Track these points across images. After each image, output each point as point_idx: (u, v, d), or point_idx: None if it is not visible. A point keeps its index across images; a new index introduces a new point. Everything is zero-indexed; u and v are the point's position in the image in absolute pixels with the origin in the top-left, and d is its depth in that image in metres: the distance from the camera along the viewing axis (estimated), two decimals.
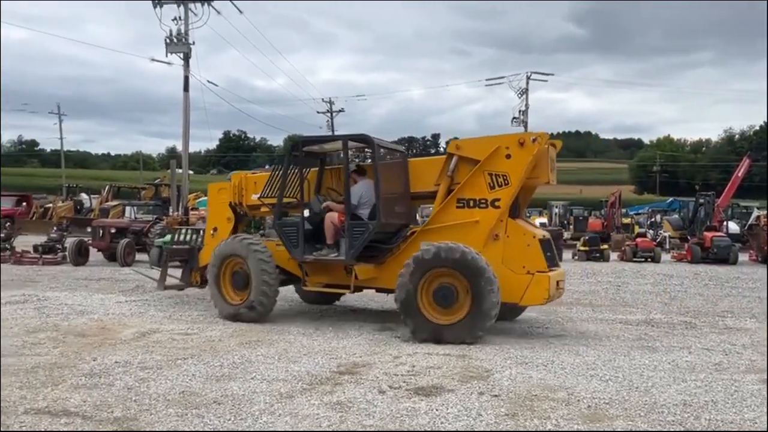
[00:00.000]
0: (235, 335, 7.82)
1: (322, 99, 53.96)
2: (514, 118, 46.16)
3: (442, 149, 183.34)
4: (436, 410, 5.02)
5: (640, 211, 45.16)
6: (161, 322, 8.68)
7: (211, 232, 10.17)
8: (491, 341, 7.77)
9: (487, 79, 68.73)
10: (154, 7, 26.66)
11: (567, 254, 24.12)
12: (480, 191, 8.29)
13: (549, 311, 10.37)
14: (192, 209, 25.08)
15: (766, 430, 4.85)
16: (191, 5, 26.94)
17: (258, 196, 9.54)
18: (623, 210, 35.83)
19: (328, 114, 51.68)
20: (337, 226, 8.76)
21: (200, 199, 26.56)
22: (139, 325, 8.41)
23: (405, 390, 5.56)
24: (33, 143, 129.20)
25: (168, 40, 26.66)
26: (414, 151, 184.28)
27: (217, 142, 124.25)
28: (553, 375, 6.20)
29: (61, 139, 60.95)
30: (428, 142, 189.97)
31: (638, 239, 24.41)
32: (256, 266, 8.87)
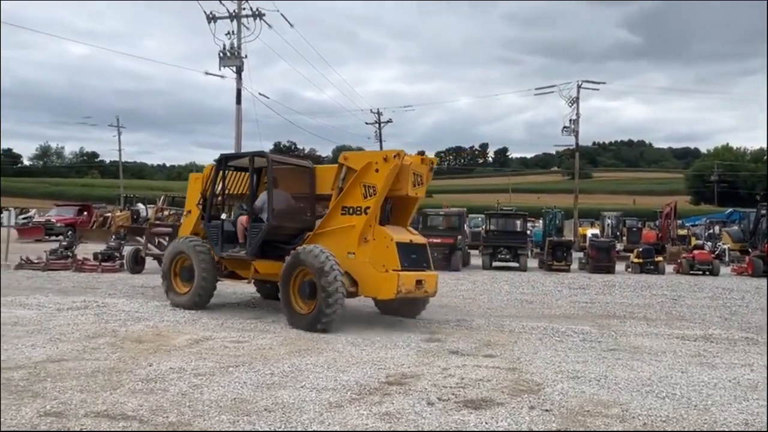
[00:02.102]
0: (284, 344, 7.92)
1: (370, 110, 54.44)
2: (564, 127, 45.34)
3: (490, 159, 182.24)
4: (486, 423, 4.97)
5: (696, 222, 43.74)
6: (214, 329, 8.86)
7: (186, 212, 12.16)
8: (541, 354, 7.65)
9: (537, 88, 67.91)
10: (209, 22, 27.46)
11: (620, 266, 23.57)
12: (357, 200, 9.51)
13: (601, 324, 10.16)
14: None
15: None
16: (244, 20, 27.63)
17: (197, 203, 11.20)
18: (679, 221, 34.77)
19: (376, 125, 52.00)
20: (245, 227, 10.31)
21: None
22: (193, 332, 8.61)
23: (454, 402, 5.53)
24: (93, 155, 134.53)
25: (222, 54, 27.38)
26: (462, 161, 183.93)
27: None
28: (606, 390, 6.06)
29: (120, 150, 63.24)
30: (476, 152, 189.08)
31: (695, 251, 23.67)
32: (198, 262, 10.52)
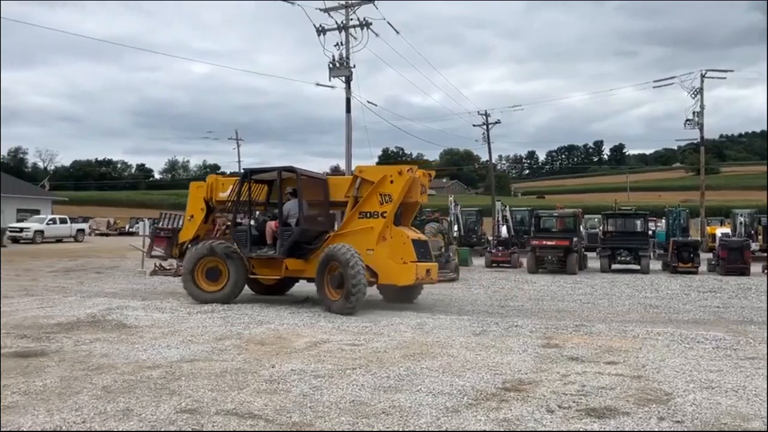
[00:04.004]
0: (399, 347, 7.99)
1: (478, 112, 53.87)
2: (687, 120, 42.59)
3: (605, 157, 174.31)
4: None
5: None
6: (330, 332, 9.11)
7: (189, 217, 13.48)
8: (669, 362, 7.20)
9: (655, 81, 64.41)
10: (318, 35, 28.36)
11: (755, 267, 21.69)
12: (374, 206, 11.56)
13: (737, 331, 9.41)
14: None
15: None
16: (352, 30, 28.28)
17: (222, 209, 13.02)
18: None
19: (484, 126, 51.33)
20: (274, 231, 11.97)
21: None
22: (311, 335, 8.90)
23: (575, 410, 5.33)
24: (215, 167, 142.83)
25: (331, 65, 28.18)
26: (575, 159, 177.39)
27: (377, 159, 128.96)
28: (745, 402, 5.60)
29: (239, 162, 66.61)
30: (590, 150, 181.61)
31: None
32: (232, 263, 11.97)
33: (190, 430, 4.83)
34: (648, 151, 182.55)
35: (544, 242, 21.88)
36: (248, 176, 12.42)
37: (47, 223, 41.80)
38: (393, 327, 9.53)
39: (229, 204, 12.60)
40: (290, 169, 11.99)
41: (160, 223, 14.98)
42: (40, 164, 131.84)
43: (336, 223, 13.19)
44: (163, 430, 4.84)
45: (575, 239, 22.14)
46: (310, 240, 12.01)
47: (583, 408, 5.38)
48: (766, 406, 5.47)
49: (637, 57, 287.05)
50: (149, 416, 5.13)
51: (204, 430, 4.85)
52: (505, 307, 12.51)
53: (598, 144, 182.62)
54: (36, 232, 40.01)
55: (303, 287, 13.46)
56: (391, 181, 11.51)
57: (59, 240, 41.94)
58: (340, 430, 4.88)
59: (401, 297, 12.30)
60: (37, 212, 48.78)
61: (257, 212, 12.95)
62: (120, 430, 4.83)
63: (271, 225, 12.14)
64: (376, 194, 11.56)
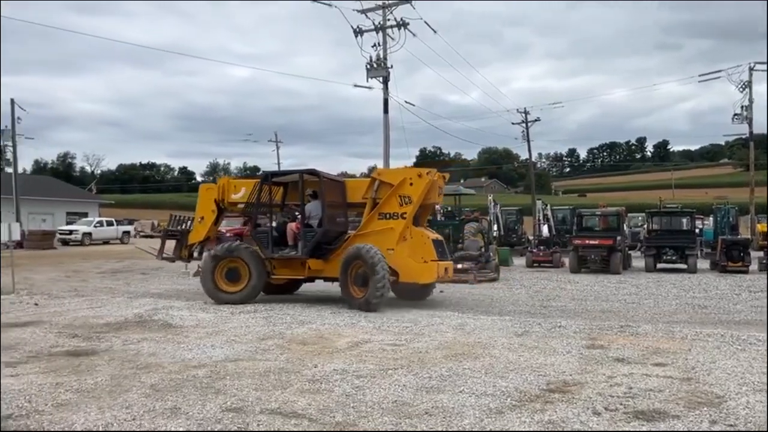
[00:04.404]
0: (440, 348, 7.96)
1: (516, 109, 53.32)
2: (735, 114, 41.21)
3: (648, 153, 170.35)
4: None
5: None
6: (371, 332, 9.13)
7: (199, 219, 13.50)
8: (720, 364, 6.99)
9: (701, 75, 62.77)
10: (355, 36, 28.46)
11: None
12: (394, 207, 11.98)
13: None
14: None
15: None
16: (389, 31, 28.31)
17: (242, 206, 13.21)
18: None
19: (523, 124, 50.74)
20: (295, 232, 12.31)
21: None
22: (352, 335, 8.94)
23: (622, 413, 5.21)
24: (255, 168, 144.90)
25: (368, 66, 28.26)
26: (617, 156, 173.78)
27: (414, 159, 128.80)
28: None
29: (278, 164, 67.20)
30: (633, 147, 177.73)
31: None
32: (254, 264, 12.19)
33: (236, 429, 4.90)
34: (693, 147, 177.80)
35: (587, 241, 21.51)
36: (268, 179, 12.72)
37: (95, 226, 43.06)
38: (434, 327, 9.49)
39: (246, 205, 12.92)
40: (312, 172, 12.37)
41: (169, 225, 14.67)
42: (88, 168, 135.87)
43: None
44: (209, 429, 4.92)
45: (619, 238, 21.70)
46: (331, 240, 12.41)
47: (631, 410, 5.27)
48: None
49: (681, 50, 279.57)
50: (196, 414, 5.23)
51: (249, 429, 4.92)
52: (548, 308, 12.34)
53: (641, 140, 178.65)
54: (84, 234, 41.25)
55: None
56: (411, 184, 11.94)
57: (106, 242, 43.13)
58: (383, 430, 4.89)
59: (414, 295, 12.58)
60: (85, 215, 50.35)
61: (277, 214, 13.34)
62: (168, 428, 4.93)
63: (292, 226, 12.48)
64: (395, 196, 11.99)
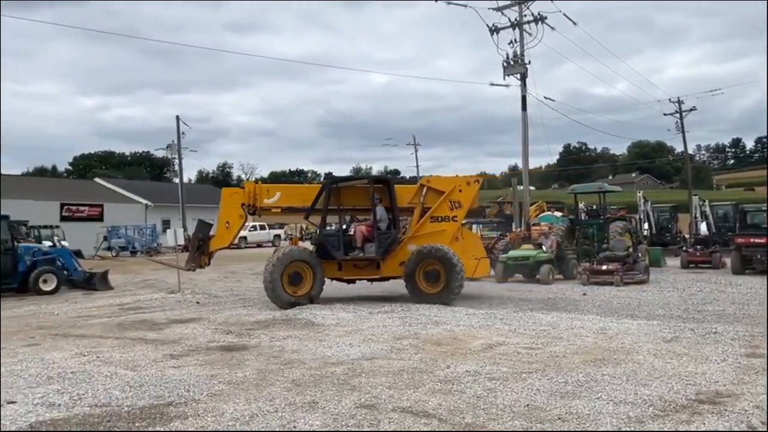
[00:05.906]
0: (578, 352, 7.67)
1: (669, 99, 49.67)
2: None
3: None
4: None
5: None
6: (506, 335, 9.00)
7: (225, 225, 13.21)
8: None
9: None
10: (492, 34, 28.10)
11: None
12: (445, 211, 13.39)
13: None
14: (533, 225, 25.45)
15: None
16: (526, 26, 27.65)
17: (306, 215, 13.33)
18: None
19: (677, 115, 47.18)
20: (365, 235, 13.04)
21: (543, 215, 26.72)
22: (487, 336, 8.87)
23: None
24: (395, 172, 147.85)
25: (505, 64, 27.79)
26: None
27: (557, 156, 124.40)
28: None
29: (417, 166, 68.14)
30: None
31: None
32: (318, 268, 12.59)
33: (368, 425, 5.08)
34: None
35: (752, 240, 19.54)
36: (335, 183, 13.46)
37: (250, 230, 46.28)
38: (573, 331, 9.16)
39: (310, 209, 13.17)
40: (383, 180, 13.54)
41: (199, 231, 13.71)
42: (243, 177, 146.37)
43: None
44: (343, 430, 5.14)
45: None
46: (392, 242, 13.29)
47: None
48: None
49: None
50: (332, 409, 5.49)
51: (380, 427, 5.07)
52: (703, 312, 11.40)
53: None
54: (240, 238, 44.50)
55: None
56: (460, 190, 13.43)
57: (259, 245, 46.23)
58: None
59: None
60: None
61: (344, 218, 14.19)
62: (306, 422, 5.23)
63: (362, 229, 13.20)
64: (446, 201, 13.35)
